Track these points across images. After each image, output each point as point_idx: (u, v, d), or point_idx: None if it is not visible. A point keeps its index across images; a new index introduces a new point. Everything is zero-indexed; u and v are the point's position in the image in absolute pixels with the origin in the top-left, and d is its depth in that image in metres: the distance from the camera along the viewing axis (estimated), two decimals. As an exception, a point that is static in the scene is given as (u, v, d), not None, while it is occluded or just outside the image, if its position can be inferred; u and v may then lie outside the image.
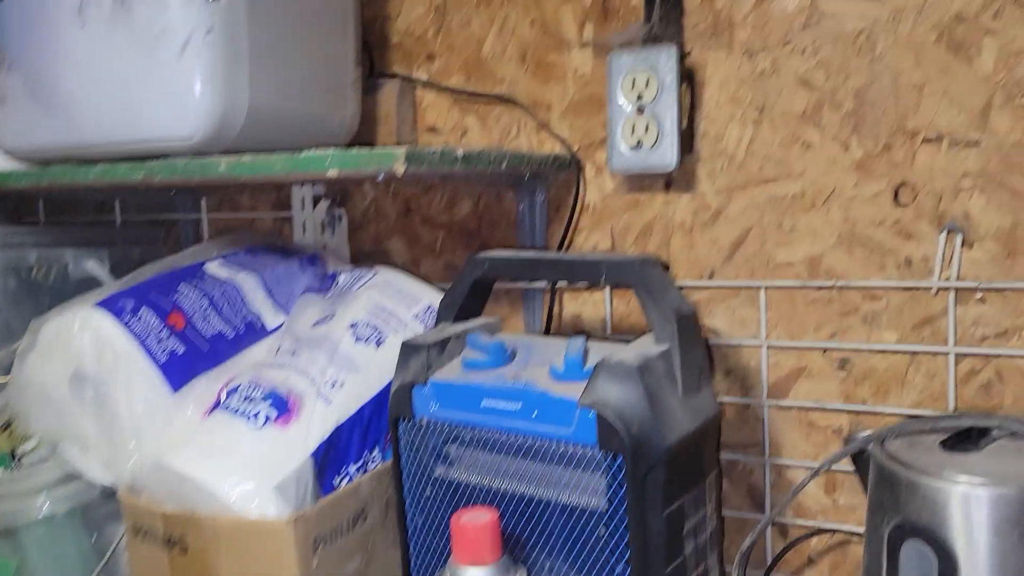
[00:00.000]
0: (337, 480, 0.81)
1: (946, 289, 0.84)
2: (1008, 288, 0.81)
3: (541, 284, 1.03)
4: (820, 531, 0.91)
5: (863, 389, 0.89)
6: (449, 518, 0.75)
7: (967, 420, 0.63)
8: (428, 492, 0.80)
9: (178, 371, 0.83)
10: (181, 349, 0.85)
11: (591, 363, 0.72)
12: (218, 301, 0.91)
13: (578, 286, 1.02)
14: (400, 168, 0.72)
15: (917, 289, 0.85)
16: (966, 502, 0.57)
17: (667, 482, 0.68)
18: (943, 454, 0.61)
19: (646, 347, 0.73)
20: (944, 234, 0.83)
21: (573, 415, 0.69)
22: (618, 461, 0.68)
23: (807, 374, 0.91)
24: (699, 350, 0.76)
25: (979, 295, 0.83)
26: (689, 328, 0.74)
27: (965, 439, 0.62)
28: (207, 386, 0.84)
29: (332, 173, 0.74)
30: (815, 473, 0.71)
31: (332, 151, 0.75)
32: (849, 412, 0.89)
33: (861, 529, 0.88)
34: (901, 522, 0.60)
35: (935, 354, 0.85)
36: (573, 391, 0.71)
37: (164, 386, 0.82)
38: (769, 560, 0.93)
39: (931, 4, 0.82)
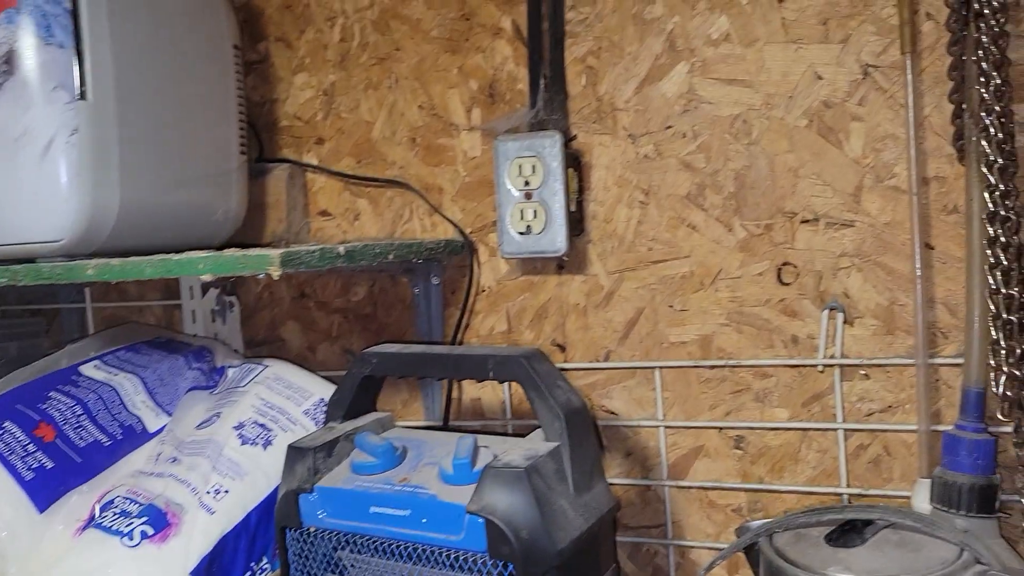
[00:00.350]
0: (221, 597, 0.77)
1: (831, 366, 0.85)
2: (889, 364, 0.83)
3: (438, 369, 1.01)
4: (725, 612, 0.90)
5: (759, 467, 0.89)
6: (339, 634, 0.72)
7: (850, 512, 0.64)
8: (319, 603, 0.76)
9: (45, 488, 0.78)
10: (50, 464, 0.80)
11: (480, 464, 0.71)
12: (93, 407, 0.86)
13: (476, 370, 1.00)
14: (276, 272, 0.70)
15: (804, 367, 0.87)
16: (850, 601, 0.57)
17: (560, 587, 0.67)
18: (828, 549, 0.61)
19: (536, 445, 0.72)
20: (826, 312, 0.85)
21: (462, 522, 0.68)
22: (509, 568, 0.66)
23: (705, 453, 0.91)
24: (590, 444, 0.75)
25: (862, 371, 0.85)
26: (579, 423, 0.73)
27: (850, 531, 0.62)
28: (79, 501, 0.79)
29: (206, 278, 0.72)
30: (710, 567, 0.70)
31: (205, 255, 0.72)
32: (747, 491, 0.90)
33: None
34: (791, 620, 0.60)
35: (825, 430, 0.86)
36: (462, 495, 0.69)
37: (29, 506, 0.77)
38: (676, 645, 0.92)
39: (800, 91, 0.85)
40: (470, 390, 1.02)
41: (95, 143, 0.78)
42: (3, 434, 0.78)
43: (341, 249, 0.78)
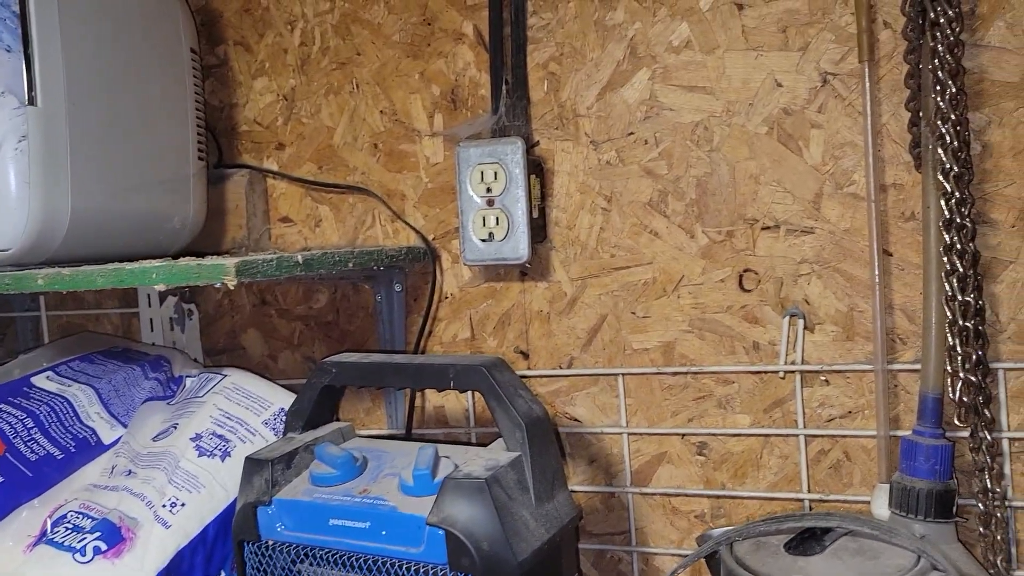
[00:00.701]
0: (177, 613, 0.75)
1: (792, 372, 0.86)
2: (848, 370, 0.84)
3: (401, 377, 1.01)
4: (689, 619, 0.90)
5: (722, 473, 0.89)
6: (298, 649, 0.70)
7: (809, 520, 0.64)
8: (278, 617, 0.75)
9: (-5, 504, 0.76)
10: (0, 478, 0.78)
11: (441, 475, 0.70)
12: (45, 419, 0.84)
13: (439, 378, 1.00)
14: (231, 282, 0.68)
15: (765, 373, 0.87)
16: (809, 609, 0.57)
17: (522, 599, 0.66)
18: (788, 558, 0.61)
19: (497, 455, 0.72)
20: (787, 319, 0.85)
21: (422, 534, 0.67)
22: (470, 581, 0.65)
23: (668, 460, 0.91)
24: (552, 454, 0.74)
25: (823, 377, 0.85)
26: (540, 433, 0.73)
27: (809, 539, 0.62)
28: (30, 516, 0.77)
29: (160, 287, 0.70)
30: (675, 572, 0.70)
31: (159, 264, 0.71)
32: (710, 497, 0.90)
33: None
34: (751, 629, 0.59)
35: (786, 436, 0.86)
36: (422, 507, 0.68)
37: (-22, 524, 0.75)
38: (640, 652, 0.92)
39: (761, 98, 0.85)
40: (433, 398, 1.01)
41: (45, 150, 0.76)
42: (-51, 450, 0.76)
43: (299, 258, 0.76)
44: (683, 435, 0.90)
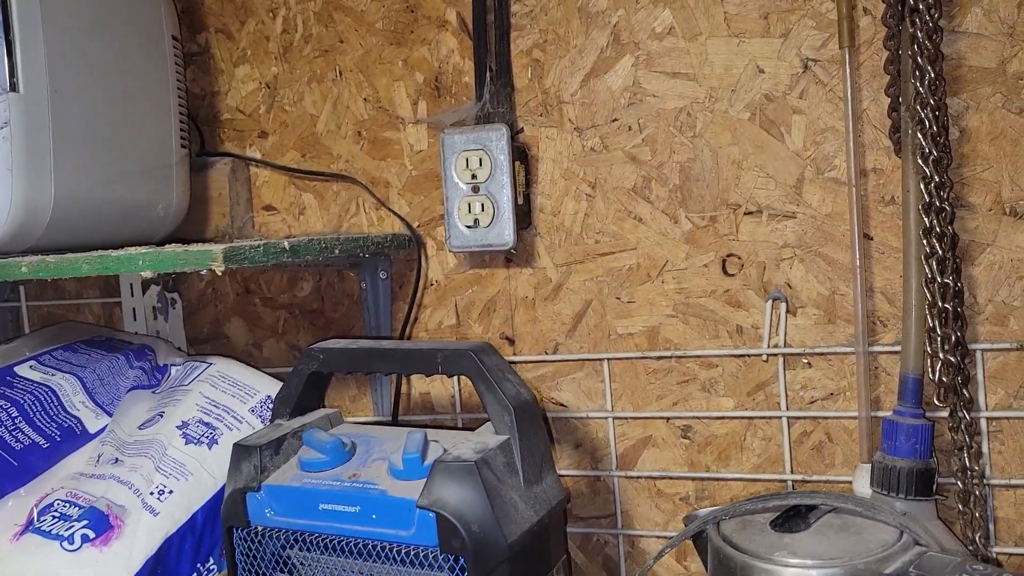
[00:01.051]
0: (166, 600, 0.75)
1: (775, 355, 0.87)
2: (830, 352, 0.85)
3: (387, 364, 1.01)
4: (674, 600, 0.91)
5: (706, 456, 0.90)
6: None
7: (794, 498, 0.65)
8: (268, 603, 0.75)
9: (-20, 493, 0.76)
10: (-15, 467, 0.77)
11: (430, 459, 0.71)
12: (30, 408, 0.84)
13: (425, 365, 1.00)
14: (219, 268, 0.68)
15: (749, 356, 0.88)
16: (796, 584, 0.58)
17: (511, 580, 0.67)
18: (774, 535, 0.62)
19: (486, 439, 0.72)
20: (770, 302, 0.87)
21: (412, 516, 0.67)
22: (460, 562, 0.66)
23: (653, 443, 0.92)
24: (540, 437, 0.75)
25: (805, 360, 0.86)
26: (528, 416, 0.74)
27: (794, 516, 0.64)
28: (16, 506, 0.77)
29: (147, 274, 0.70)
30: (659, 555, 0.71)
31: (145, 251, 0.71)
32: (694, 479, 0.91)
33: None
34: (738, 606, 0.61)
35: (769, 418, 0.88)
36: (412, 490, 0.69)
37: (-36, 512, 0.74)
38: (627, 633, 0.93)
39: (743, 84, 0.86)
40: (419, 384, 1.01)
41: (27, 137, 0.76)
42: (-66, 438, 0.76)
43: (286, 244, 0.76)
44: (668, 419, 0.91)
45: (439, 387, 1.00)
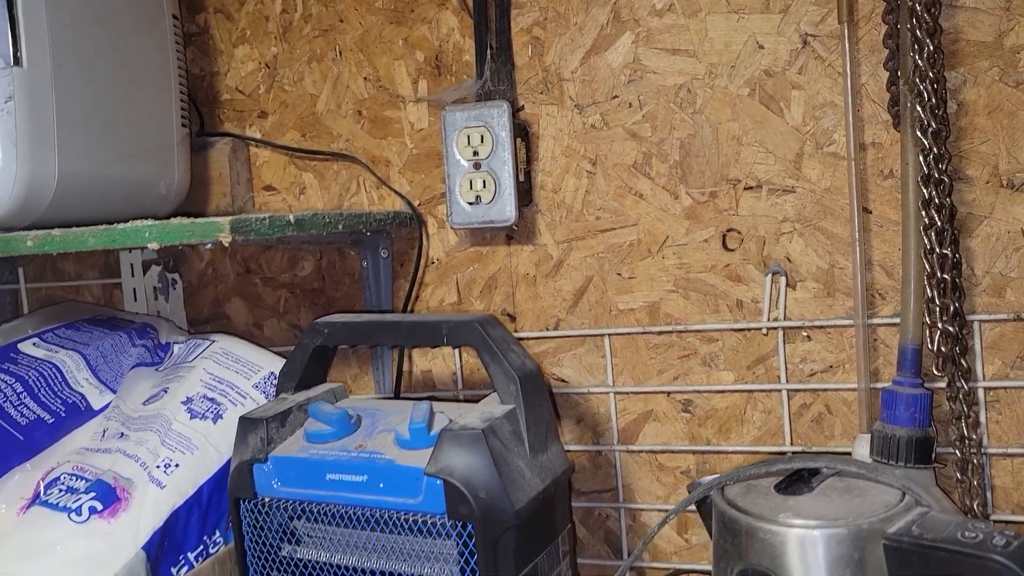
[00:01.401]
0: (175, 570, 0.76)
1: (775, 329, 0.88)
2: (830, 325, 0.86)
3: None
4: (676, 572, 0.92)
5: (707, 429, 0.91)
6: (297, 602, 0.71)
7: (797, 462, 0.66)
8: (275, 574, 0.76)
9: (-13, 466, 0.76)
10: (-9, 442, 0.78)
11: (437, 428, 0.71)
12: (34, 384, 0.84)
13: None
14: (226, 239, 0.68)
15: (749, 330, 0.89)
16: (801, 544, 0.59)
17: (519, 545, 0.68)
18: (778, 498, 0.63)
19: (491, 408, 0.73)
20: (769, 276, 0.87)
21: (420, 484, 0.68)
22: (468, 529, 0.67)
23: (654, 417, 0.93)
24: (544, 407, 0.76)
25: (805, 333, 0.87)
26: (533, 386, 0.74)
27: (797, 480, 0.64)
28: (22, 480, 0.77)
29: (153, 246, 0.70)
30: (662, 523, 0.72)
31: (151, 223, 0.71)
32: (695, 453, 0.92)
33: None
34: (744, 568, 0.61)
35: (769, 391, 0.89)
36: (419, 459, 0.69)
37: (-30, 485, 0.74)
38: (629, 605, 0.94)
39: (742, 60, 0.87)
40: (420, 362, 1.02)
41: (31, 111, 0.76)
42: (-61, 412, 0.76)
43: (291, 218, 0.77)
44: (668, 393, 0.92)
45: (440, 365, 1.01)
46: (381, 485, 0.70)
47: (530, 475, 0.70)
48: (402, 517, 0.69)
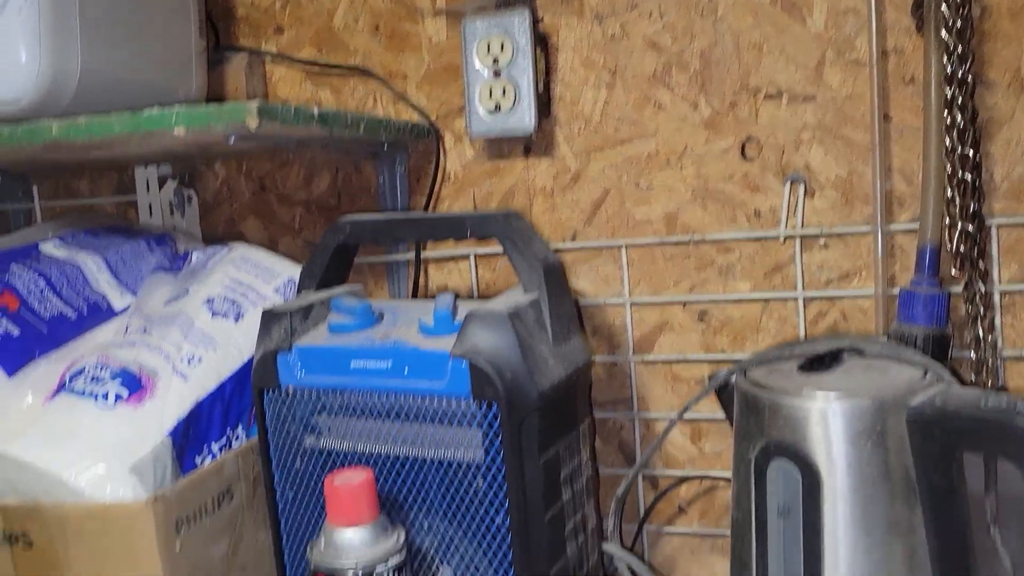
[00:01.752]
0: (199, 459, 0.77)
1: (792, 237, 0.88)
2: (847, 233, 0.87)
3: (405, 256, 1.02)
4: (688, 479, 0.93)
5: (722, 339, 0.92)
6: (322, 490, 0.72)
7: (820, 344, 0.67)
8: (298, 464, 0.77)
9: (12, 354, 0.76)
10: (16, 331, 0.78)
11: (460, 317, 0.72)
12: (56, 281, 0.84)
13: (442, 256, 1.01)
14: (253, 123, 0.69)
15: (766, 239, 0.89)
16: (824, 417, 0.60)
17: (542, 428, 0.68)
18: (801, 376, 0.63)
19: (515, 297, 0.73)
20: (788, 185, 0.88)
21: (446, 367, 0.68)
22: (493, 410, 0.67)
23: (669, 328, 0.94)
24: (567, 300, 0.76)
25: (822, 241, 0.88)
26: (556, 278, 0.75)
27: (820, 362, 0.65)
28: (48, 370, 0.78)
29: (179, 132, 0.70)
30: (686, 408, 0.73)
31: (178, 108, 0.71)
32: (710, 362, 0.93)
33: (726, 474, 0.91)
34: (766, 444, 0.62)
35: (785, 300, 0.89)
36: (444, 345, 0.70)
37: (-3, 370, 0.75)
38: (642, 512, 0.95)
39: (766, -34, 0.87)
40: (436, 276, 1.02)
41: (55, 5, 0.76)
42: (-35, 299, 0.76)
43: (316, 111, 0.77)
44: (684, 303, 0.93)
45: (456, 279, 1.02)
46: (406, 370, 0.70)
47: (553, 362, 0.71)
48: (427, 402, 0.70)
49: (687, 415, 0.93)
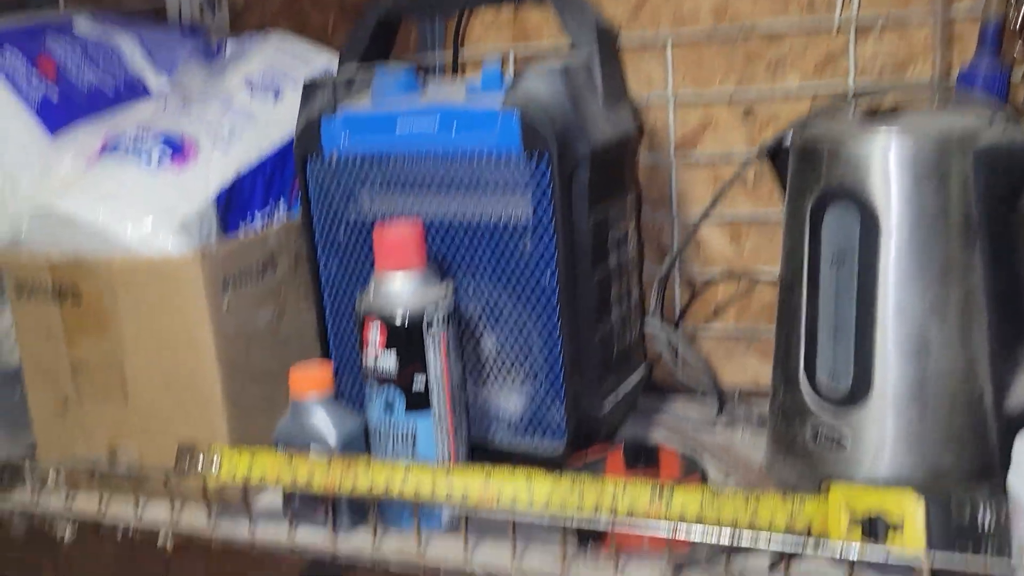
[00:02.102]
0: (243, 224, 0.77)
1: (849, 23, 0.85)
2: (905, 19, 0.84)
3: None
4: (728, 277, 0.93)
5: (767, 135, 0.90)
6: (364, 263, 0.72)
7: (878, 93, 0.65)
8: (341, 237, 0.76)
9: (54, 115, 0.76)
10: (56, 96, 0.77)
11: (510, 75, 0.70)
12: (93, 52, 0.83)
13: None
14: None
15: (819, 30, 0.86)
16: (886, 155, 0.58)
17: (592, 183, 0.68)
18: (863, 123, 0.62)
19: (567, 59, 0.71)
20: (845, -31, 0.84)
21: (495, 121, 0.67)
22: (543, 165, 0.66)
23: (713, 126, 0.92)
24: (618, 67, 0.75)
25: (878, 28, 0.85)
26: (608, 42, 0.73)
27: (881, 113, 0.64)
28: (88, 134, 0.77)
29: None
30: (737, 175, 0.71)
31: None
32: (754, 159, 0.91)
33: (764, 273, 0.91)
34: (823, 192, 0.61)
35: (835, 93, 0.87)
36: (493, 102, 0.68)
37: (39, 128, 0.74)
38: (678, 311, 0.95)
39: None
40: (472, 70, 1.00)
41: None
42: (4, 58, 0.75)
43: None
44: (730, 100, 0.91)
45: (495, 80, 0.99)
46: (454, 129, 0.69)
47: (603, 121, 0.70)
48: (475, 163, 0.69)
49: (727, 216, 0.92)
